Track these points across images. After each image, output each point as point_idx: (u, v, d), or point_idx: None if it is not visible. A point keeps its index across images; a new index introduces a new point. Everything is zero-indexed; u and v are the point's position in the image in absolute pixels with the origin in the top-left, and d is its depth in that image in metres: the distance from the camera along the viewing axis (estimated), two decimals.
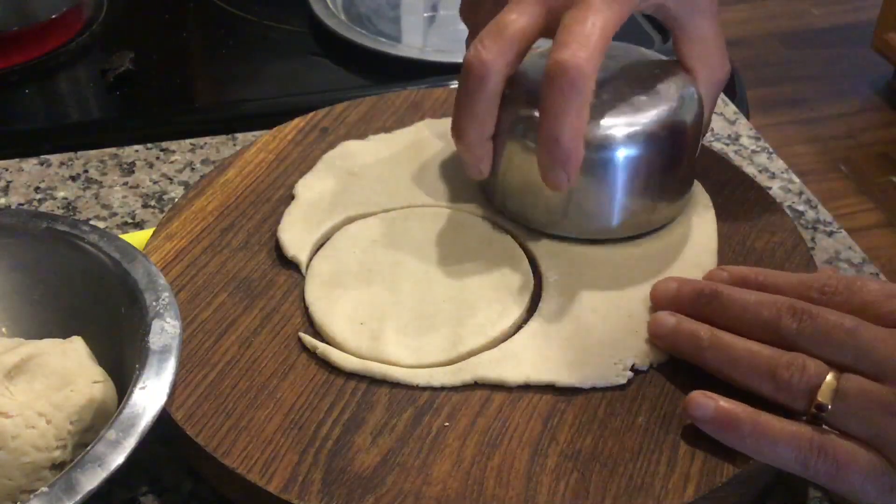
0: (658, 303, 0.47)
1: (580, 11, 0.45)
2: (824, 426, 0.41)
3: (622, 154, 0.49)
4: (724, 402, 0.42)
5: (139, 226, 0.60)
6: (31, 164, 0.66)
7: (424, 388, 0.45)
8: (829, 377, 0.41)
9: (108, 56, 0.80)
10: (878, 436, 0.39)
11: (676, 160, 0.51)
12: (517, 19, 0.47)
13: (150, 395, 0.40)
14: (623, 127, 0.48)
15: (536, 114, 0.47)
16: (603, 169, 0.49)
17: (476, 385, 0.45)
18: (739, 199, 0.56)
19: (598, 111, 0.48)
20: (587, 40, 0.44)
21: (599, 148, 0.48)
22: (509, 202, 0.53)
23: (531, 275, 0.50)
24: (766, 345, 0.43)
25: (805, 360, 0.41)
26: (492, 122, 0.49)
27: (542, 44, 0.49)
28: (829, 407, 0.40)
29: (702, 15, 0.50)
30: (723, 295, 0.45)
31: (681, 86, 0.51)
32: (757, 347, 0.43)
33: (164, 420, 0.41)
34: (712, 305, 0.45)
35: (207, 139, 0.68)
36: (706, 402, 0.42)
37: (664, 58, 0.53)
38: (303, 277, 0.50)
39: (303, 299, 0.49)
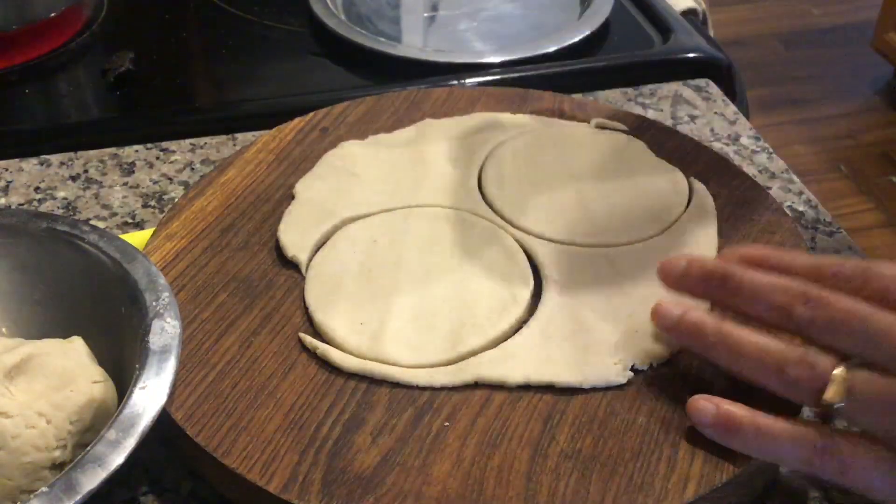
0: (665, 280, 0.46)
1: None
2: (835, 421, 0.40)
3: None
4: (726, 406, 0.41)
5: (139, 226, 0.60)
6: (31, 164, 0.66)
7: (424, 388, 0.45)
8: (839, 372, 0.39)
9: (108, 56, 0.80)
10: (889, 431, 0.38)
11: None
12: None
13: (150, 395, 0.40)
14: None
15: None
16: None
17: (476, 385, 0.45)
18: (739, 199, 0.56)
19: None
20: None
21: None
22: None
23: (531, 275, 0.50)
24: (774, 338, 0.41)
25: (814, 358, 0.40)
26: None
27: None
28: (838, 405, 0.39)
29: None
30: (734, 277, 0.43)
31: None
32: (764, 342, 0.41)
33: (164, 420, 0.41)
34: (723, 287, 0.44)
35: (207, 139, 0.68)
36: (706, 406, 0.42)
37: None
38: (303, 277, 0.50)
39: (303, 299, 0.49)
